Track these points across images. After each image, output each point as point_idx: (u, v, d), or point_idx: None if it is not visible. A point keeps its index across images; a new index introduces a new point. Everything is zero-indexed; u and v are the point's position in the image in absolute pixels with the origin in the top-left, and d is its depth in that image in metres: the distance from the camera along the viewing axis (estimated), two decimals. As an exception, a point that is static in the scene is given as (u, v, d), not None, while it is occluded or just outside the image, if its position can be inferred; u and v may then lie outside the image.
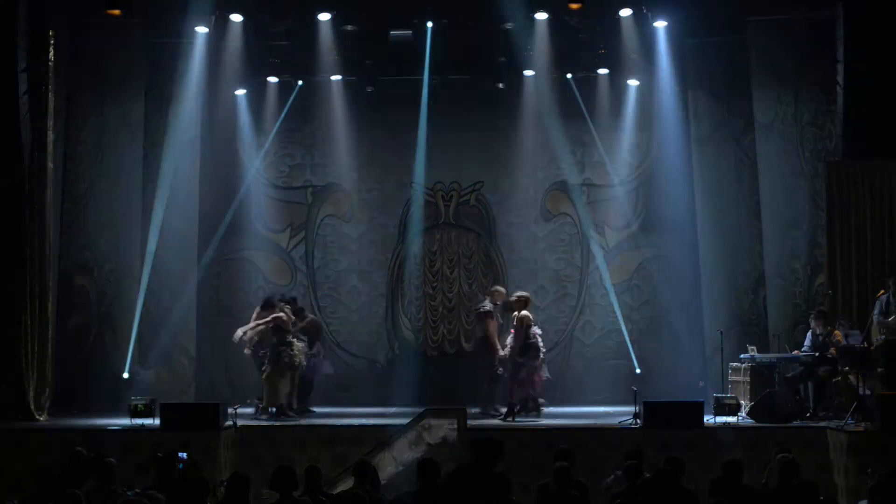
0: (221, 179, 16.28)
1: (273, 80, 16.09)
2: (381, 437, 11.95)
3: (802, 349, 13.06)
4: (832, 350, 12.58)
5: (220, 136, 16.13)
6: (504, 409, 13.41)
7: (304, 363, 13.65)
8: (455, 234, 16.72)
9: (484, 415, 13.51)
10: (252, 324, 13.78)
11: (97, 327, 14.99)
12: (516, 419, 13.14)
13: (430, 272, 16.63)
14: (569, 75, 16.04)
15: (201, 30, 14.76)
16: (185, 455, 9.43)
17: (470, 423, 12.15)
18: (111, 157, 15.06)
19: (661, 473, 7.76)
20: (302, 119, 16.50)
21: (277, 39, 15.21)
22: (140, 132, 15.15)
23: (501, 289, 14.34)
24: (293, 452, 11.83)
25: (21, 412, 13.16)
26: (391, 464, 11.67)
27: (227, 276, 16.42)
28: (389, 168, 16.62)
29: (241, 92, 16.12)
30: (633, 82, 15.97)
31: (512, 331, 13.47)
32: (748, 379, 13.17)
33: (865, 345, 12.30)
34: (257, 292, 16.05)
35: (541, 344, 13.42)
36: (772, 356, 13.43)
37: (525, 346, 13.22)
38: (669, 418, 11.95)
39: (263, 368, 13.44)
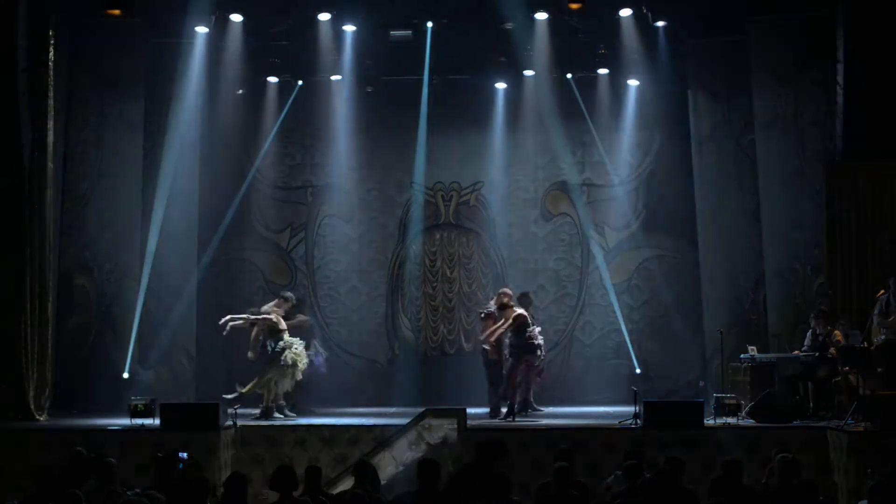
0: (221, 179, 16.27)
1: (273, 80, 16.09)
2: (381, 437, 11.95)
3: (802, 349, 13.05)
4: (832, 350, 12.57)
5: (220, 136, 16.12)
6: (504, 409, 13.39)
7: (306, 363, 13.57)
8: (455, 234, 16.72)
9: (493, 415, 13.48)
10: (243, 315, 13.67)
11: (97, 327, 14.99)
12: (516, 419, 13.14)
13: (430, 272, 16.64)
14: (569, 75, 16.04)
15: (201, 30, 14.78)
16: (185, 455, 9.44)
17: (470, 423, 12.13)
18: (111, 157, 15.06)
19: (661, 473, 7.76)
20: (302, 119, 16.49)
21: (277, 39, 15.22)
22: (140, 132, 15.16)
23: (508, 290, 14.16)
24: (293, 452, 11.85)
25: (21, 412, 13.16)
26: (391, 464, 11.68)
27: (227, 276, 16.42)
28: (389, 168, 16.63)
29: (241, 92, 16.10)
30: (633, 82, 15.97)
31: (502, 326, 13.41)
32: (748, 379, 13.16)
33: (865, 345, 12.29)
34: (257, 292, 16.06)
35: (538, 342, 13.34)
36: (772, 356, 13.44)
37: (522, 345, 13.16)
38: (669, 418, 11.93)
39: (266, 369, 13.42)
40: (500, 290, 14.12)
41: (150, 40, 15.11)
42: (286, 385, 13.35)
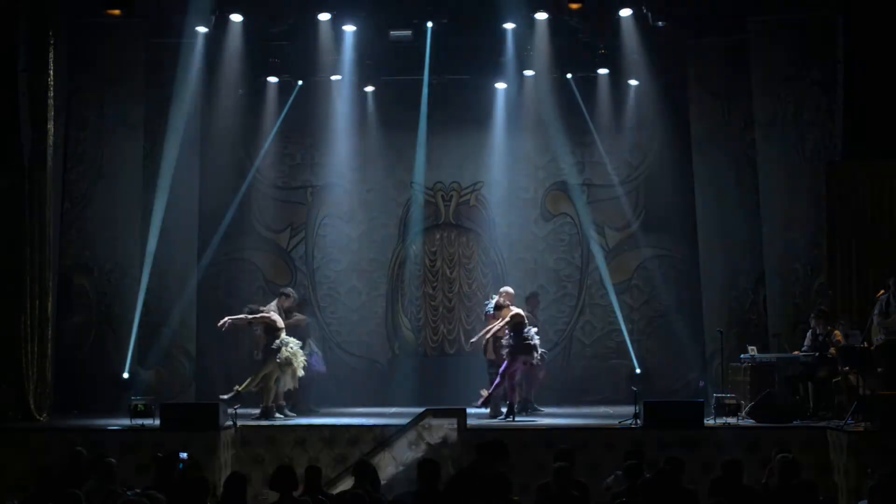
0: (221, 179, 16.27)
1: (273, 80, 16.09)
2: (381, 437, 11.95)
3: (802, 349, 13.05)
4: (832, 350, 12.56)
5: (220, 136, 16.11)
6: (504, 409, 13.39)
7: (303, 361, 13.53)
8: (455, 234, 16.72)
9: (484, 404, 13.48)
10: (240, 315, 13.65)
11: (97, 327, 14.98)
12: (516, 419, 13.14)
13: (430, 272, 16.64)
14: (569, 75, 16.05)
15: (201, 30, 14.77)
16: (185, 455, 9.44)
17: (470, 423, 12.13)
18: (111, 157, 15.06)
19: (661, 473, 7.76)
20: (302, 119, 16.49)
21: (277, 39, 15.22)
22: (140, 132, 15.16)
23: (509, 289, 14.10)
24: (293, 452, 11.85)
25: (21, 412, 13.15)
26: (391, 464, 11.68)
27: (227, 276, 16.42)
28: (389, 168, 16.63)
29: (241, 92, 16.10)
30: (633, 82, 15.97)
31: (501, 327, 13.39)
32: (748, 379, 13.15)
33: (865, 345, 12.29)
34: (257, 292, 16.06)
35: (535, 342, 13.31)
36: (772, 356, 13.43)
37: (518, 345, 13.15)
38: (669, 418, 11.92)
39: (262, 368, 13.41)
40: (501, 290, 14.11)
41: (150, 40, 15.09)
42: (287, 384, 13.32)
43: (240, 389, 13.23)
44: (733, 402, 12.47)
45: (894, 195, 13.73)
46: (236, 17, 14.80)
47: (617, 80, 15.98)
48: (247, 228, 16.54)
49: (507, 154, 16.47)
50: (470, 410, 12.60)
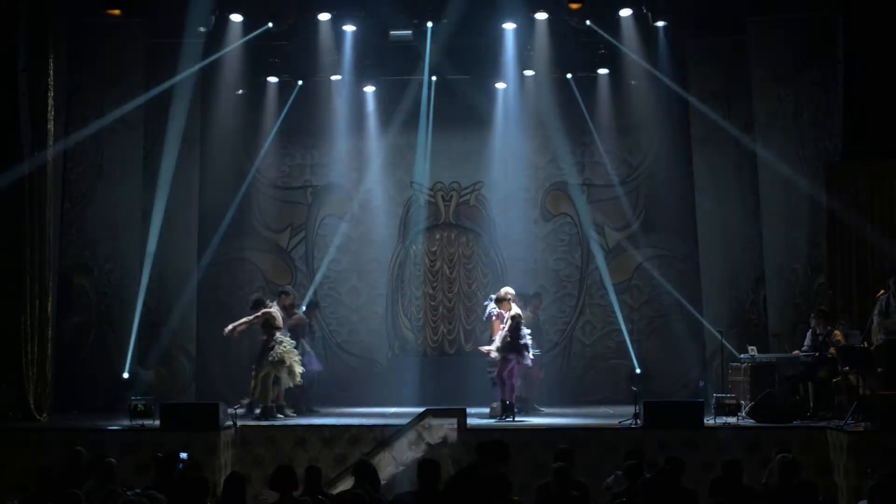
0: (221, 179, 16.27)
1: (273, 80, 16.09)
2: (381, 437, 11.95)
3: (802, 349, 13.05)
4: (832, 350, 12.57)
5: (220, 136, 16.12)
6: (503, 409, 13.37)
7: (297, 359, 13.50)
8: (455, 234, 16.73)
9: (493, 413, 13.46)
10: (242, 319, 13.65)
11: (97, 327, 15.00)
12: (516, 419, 13.13)
13: (430, 272, 16.64)
14: (569, 75, 16.04)
15: (201, 30, 14.76)
16: (185, 455, 9.43)
17: (470, 423, 12.13)
18: (111, 157, 15.07)
19: (661, 473, 7.76)
20: (302, 119, 16.49)
21: (277, 39, 15.22)
22: (140, 132, 15.17)
23: (511, 290, 14.07)
24: (293, 452, 11.84)
25: (21, 412, 13.14)
26: (391, 464, 11.67)
27: (227, 276, 16.41)
28: (389, 168, 16.62)
29: (241, 92, 16.10)
30: (633, 82, 15.96)
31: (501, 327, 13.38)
32: (748, 379, 13.15)
33: (865, 345, 12.29)
34: (257, 292, 16.04)
35: (528, 342, 13.29)
36: (772, 356, 13.44)
37: (509, 344, 13.14)
38: (669, 418, 11.93)
39: (253, 367, 13.41)
40: (503, 290, 14.01)
41: (150, 40, 15.11)
42: (286, 382, 13.28)
43: (252, 399, 13.22)
44: (733, 402, 12.48)
45: (894, 195, 13.73)
46: (236, 17, 14.81)
47: (617, 80, 15.99)
48: (247, 228, 16.54)
49: (507, 154, 16.47)
50: (471, 410, 12.59)
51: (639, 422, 12.11)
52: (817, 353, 12.74)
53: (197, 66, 14.97)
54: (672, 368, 15.74)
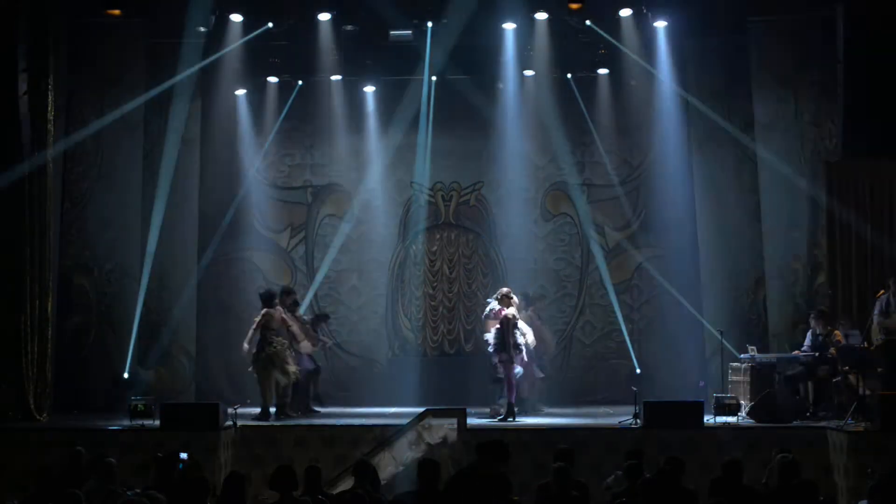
0: (221, 179, 16.27)
1: (273, 80, 16.08)
2: (381, 437, 11.94)
3: (802, 349, 13.06)
4: (832, 350, 12.57)
5: (220, 136, 16.12)
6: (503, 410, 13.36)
7: (290, 358, 13.46)
8: (455, 234, 16.72)
9: (493, 414, 13.46)
10: (249, 331, 13.58)
11: (97, 327, 15.01)
12: (516, 419, 13.13)
13: (430, 272, 16.64)
14: (569, 75, 16.04)
15: (201, 30, 14.76)
16: (185, 455, 9.44)
17: (470, 423, 12.13)
18: (111, 157, 15.08)
19: (661, 473, 7.76)
20: (302, 119, 16.49)
21: (277, 39, 15.22)
22: (140, 132, 15.19)
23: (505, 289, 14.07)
24: (293, 452, 11.82)
25: (21, 412, 13.15)
26: (391, 464, 11.66)
27: (227, 276, 16.40)
28: (389, 168, 16.61)
29: (241, 92, 16.10)
30: (633, 82, 15.96)
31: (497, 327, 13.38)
32: (748, 379, 13.15)
33: (865, 345, 12.30)
34: (257, 292, 16.03)
35: (521, 342, 13.28)
36: (772, 356, 13.44)
37: (503, 343, 13.14)
38: (669, 418, 11.94)
39: (249, 370, 13.40)
40: (506, 291, 13.98)
41: (150, 40, 15.12)
42: (280, 381, 13.26)
43: (274, 406, 13.19)
44: (733, 402, 12.48)
45: (894, 195, 13.73)
46: (236, 17, 14.80)
47: (617, 80, 15.98)
48: (247, 228, 16.53)
49: (507, 154, 16.45)
50: (471, 410, 12.59)
51: (639, 422, 12.12)
52: (817, 353, 12.75)
53: (197, 66, 14.98)
54: (672, 368, 15.72)
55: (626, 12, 14.69)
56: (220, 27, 14.86)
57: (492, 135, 16.38)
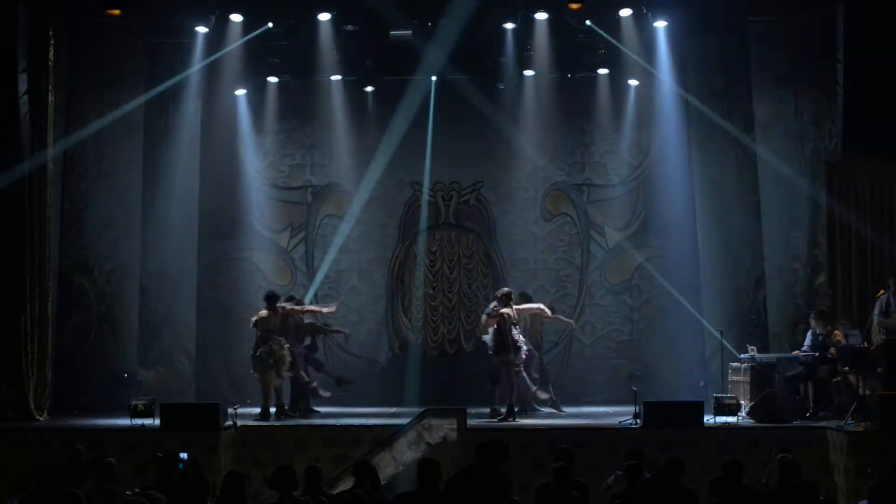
0: (221, 179, 16.27)
1: (273, 80, 16.08)
2: (381, 437, 11.94)
3: (802, 349, 13.06)
4: (832, 350, 12.57)
5: (220, 136, 16.11)
6: (504, 410, 13.37)
7: (288, 361, 13.46)
8: (455, 234, 16.71)
9: (493, 414, 13.45)
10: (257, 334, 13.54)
11: (97, 327, 15.01)
12: (516, 419, 13.13)
13: (430, 272, 16.63)
14: (569, 75, 16.04)
15: (201, 30, 14.77)
16: (185, 455, 9.44)
17: (470, 423, 12.13)
18: (111, 157, 15.09)
19: (661, 473, 7.76)
20: (302, 119, 16.49)
21: (277, 39, 15.21)
22: (140, 132, 15.20)
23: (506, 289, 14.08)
24: (293, 452, 11.82)
25: (21, 412, 13.16)
26: (391, 464, 11.66)
27: (227, 276, 16.40)
28: (389, 168, 16.59)
29: (241, 92, 16.10)
30: (633, 82, 15.97)
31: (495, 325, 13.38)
32: (748, 379, 13.14)
33: (865, 345, 12.30)
34: (257, 292, 16.04)
35: (520, 341, 13.27)
36: (772, 356, 13.44)
37: (502, 344, 13.13)
38: (669, 418, 11.94)
39: (251, 371, 13.40)
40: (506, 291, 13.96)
41: (150, 40, 15.12)
42: (276, 382, 13.26)
43: (270, 408, 13.19)
44: (733, 402, 12.48)
45: (894, 195, 13.73)
46: (236, 17, 14.80)
47: (617, 80, 15.98)
48: (247, 228, 16.52)
49: (507, 154, 16.46)
50: (471, 410, 12.59)
51: (639, 422, 12.12)
52: (817, 353, 12.74)
53: (197, 66, 14.98)
54: (672, 368, 15.73)
55: (626, 12, 14.68)
56: (220, 27, 14.85)
57: (492, 135, 16.38)
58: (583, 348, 16.40)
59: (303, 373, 13.67)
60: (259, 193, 16.59)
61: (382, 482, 9.37)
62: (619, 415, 12.93)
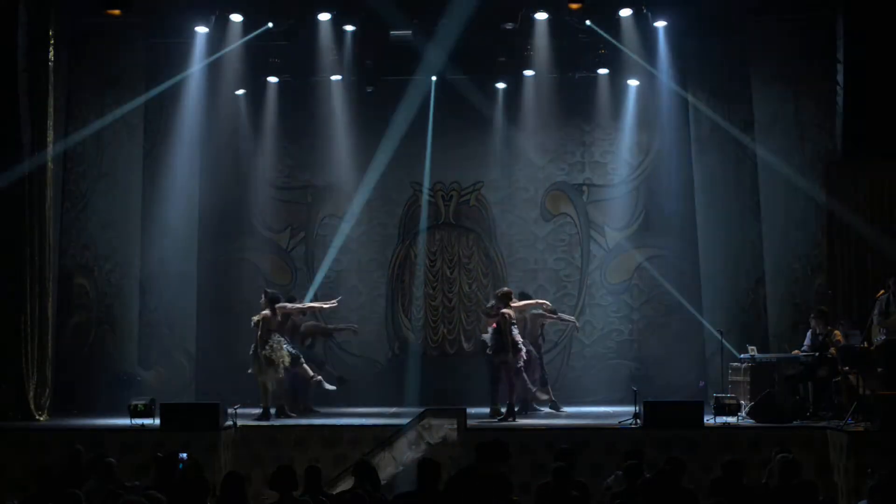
0: (221, 179, 16.28)
1: (273, 80, 16.08)
2: (381, 437, 11.94)
3: (802, 349, 13.05)
4: (832, 350, 12.56)
5: (220, 136, 16.13)
6: (504, 410, 13.37)
7: (288, 361, 13.46)
8: (455, 234, 16.72)
9: (493, 414, 13.45)
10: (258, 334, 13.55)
11: (97, 327, 15.01)
12: (517, 419, 13.13)
13: (430, 272, 16.63)
14: (569, 75, 16.04)
15: (201, 30, 14.78)
16: (185, 455, 9.44)
17: (470, 423, 12.13)
18: (111, 157, 15.10)
19: (661, 473, 7.75)
20: (302, 119, 16.49)
21: (277, 39, 15.22)
22: (140, 132, 15.20)
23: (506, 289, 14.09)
24: (293, 452, 11.83)
25: (21, 412, 13.16)
26: (391, 464, 11.66)
27: (227, 276, 16.41)
28: (389, 168, 16.58)
29: (241, 92, 16.10)
30: (633, 82, 15.97)
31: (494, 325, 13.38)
32: (748, 379, 13.16)
33: (865, 345, 12.29)
34: (257, 292, 16.03)
35: (520, 341, 13.27)
36: (772, 356, 13.44)
37: (502, 344, 13.14)
38: (669, 418, 11.93)
39: (249, 371, 13.40)
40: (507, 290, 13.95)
41: (150, 40, 15.13)
42: (276, 382, 13.26)
43: (275, 407, 13.18)
44: (733, 402, 12.47)
45: (894, 195, 13.73)
46: (236, 17, 14.80)
47: (617, 80, 15.99)
48: (247, 228, 16.54)
49: (507, 154, 16.47)
50: (471, 410, 12.59)
51: (639, 422, 12.11)
52: (817, 353, 12.73)
53: (197, 66, 14.99)
54: (672, 368, 15.74)
55: (626, 12, 14.68)
56: (220, 27, 14.86)
57: (492, 135, 16.39)
58: (583, 348, 16.40)
59: (306, 366, 13.65)
60: (259, 193, 16.59)
61: (382, 482, 9.36)
62: (619, 415, 12.92)
